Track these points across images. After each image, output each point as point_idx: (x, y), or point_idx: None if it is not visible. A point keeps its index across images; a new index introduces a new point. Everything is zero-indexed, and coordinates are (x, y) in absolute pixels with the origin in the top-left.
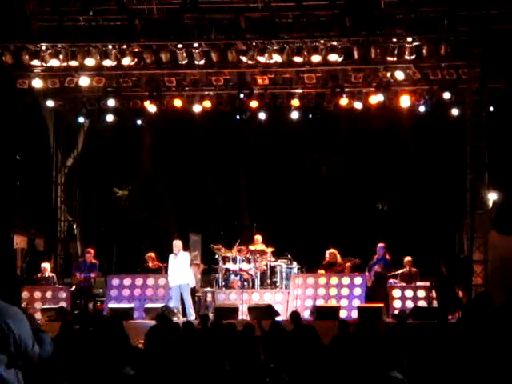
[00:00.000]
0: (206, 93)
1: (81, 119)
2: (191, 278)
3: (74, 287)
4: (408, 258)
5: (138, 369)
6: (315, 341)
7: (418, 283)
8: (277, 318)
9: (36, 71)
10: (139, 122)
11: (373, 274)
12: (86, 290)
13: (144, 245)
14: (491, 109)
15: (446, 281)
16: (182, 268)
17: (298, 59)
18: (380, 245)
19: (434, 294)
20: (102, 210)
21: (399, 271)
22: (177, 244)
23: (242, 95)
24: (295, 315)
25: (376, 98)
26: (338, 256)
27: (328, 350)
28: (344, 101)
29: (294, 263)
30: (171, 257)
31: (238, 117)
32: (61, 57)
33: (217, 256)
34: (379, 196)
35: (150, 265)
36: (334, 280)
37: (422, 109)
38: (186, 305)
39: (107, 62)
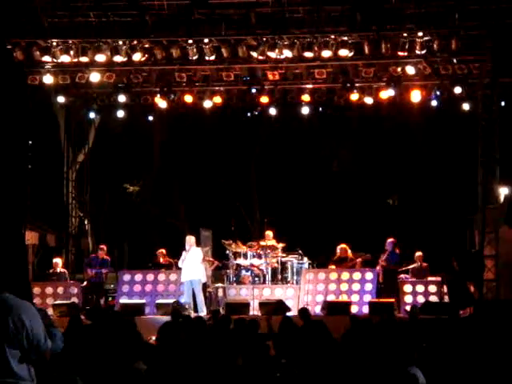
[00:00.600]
0: (217, 88)
1: (92, 115)
2: (203, 274)
3: (85, 283)
4: (419, 253)
5: (150, 364)
6: (326, 336)
7: (429, 278)
8: (288, 314)
9: (47, 67)
10: (150, 117)
11: (380, 268)
12: (97, 286)
13: (155, 241)
14: (502, 103)
15: (458, 276)
16: (193, 263)
17: (308, 54)
18: (389, 240)
19: (445, 288)
20: (113, 206)
21: (410, 266)
22: (189, 239)
23: (252, 91)
24: (304, 311)
25: (387, 93)
26: (349, 251)
27: (339, 345)
28: (355, 96)
29: (305, 258)
30: (184, 253)
31: (248, 113)
32: (71, 53)
33: (228, 251)
34: (390, 191)
35: (161, 261)
36: (345, 275)
37: (433, 103)
38: (197, 300)
39: (118, 58)
